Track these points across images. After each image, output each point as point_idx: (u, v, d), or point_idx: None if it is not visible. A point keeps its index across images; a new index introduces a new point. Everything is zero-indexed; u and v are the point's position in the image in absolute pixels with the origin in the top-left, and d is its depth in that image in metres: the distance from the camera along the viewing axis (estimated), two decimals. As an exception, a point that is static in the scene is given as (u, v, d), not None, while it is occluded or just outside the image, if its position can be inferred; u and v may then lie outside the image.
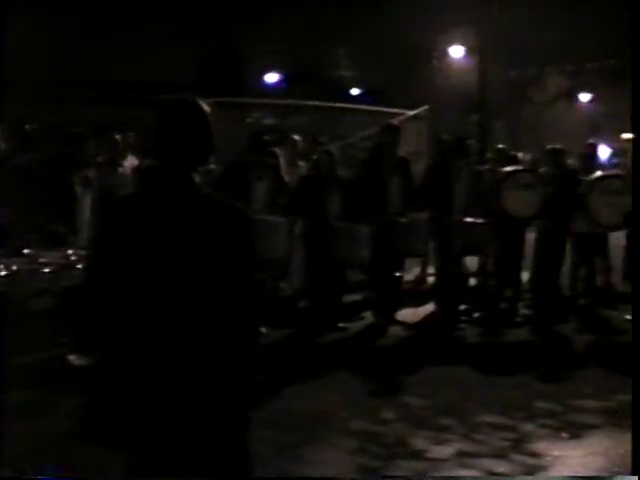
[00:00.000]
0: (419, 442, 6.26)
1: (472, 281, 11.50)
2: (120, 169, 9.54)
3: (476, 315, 10.62)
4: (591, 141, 14.20)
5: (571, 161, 12.39)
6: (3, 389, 6.01)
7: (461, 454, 6.03)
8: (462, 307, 10.66)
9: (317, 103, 15.22)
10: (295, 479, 5.62)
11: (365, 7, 32.44)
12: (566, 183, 10.71)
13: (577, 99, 48.91)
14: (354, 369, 8.20)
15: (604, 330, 10.32)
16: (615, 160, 22.44)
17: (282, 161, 10.15)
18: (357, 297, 11.03)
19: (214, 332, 2.94)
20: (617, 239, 12.21)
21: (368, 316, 10.30)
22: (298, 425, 6.51)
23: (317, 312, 9.84)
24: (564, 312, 10.89)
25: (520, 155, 12.98)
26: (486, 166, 12.24)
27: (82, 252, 7.15)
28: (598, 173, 10.95)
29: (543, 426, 6.69)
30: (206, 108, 3.09)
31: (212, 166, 9.38)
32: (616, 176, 11.24)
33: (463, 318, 10.47)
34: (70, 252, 7.34)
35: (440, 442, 6.26)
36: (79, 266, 6.96)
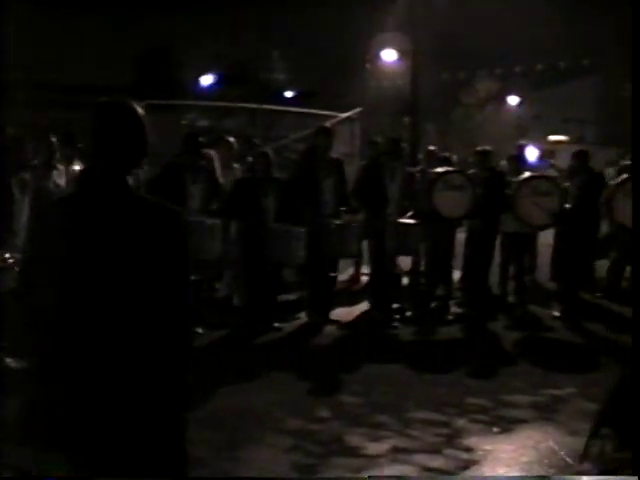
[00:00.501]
0: (354, 439, 6.36)
1: (405, 280, 11.67)
2: (55, 172, 9.45)
3: (409, 314, 10.77)
4: (521, 142, 14.51)
5: (503, 162, 12.63)
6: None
7: (396, 450, 6.15)
8: (395, 306, 10.80)
9: (251, 105, 15.25)
10: (233, 479, 5.66)
11: (299, 10, 32.56)
12: (495, 184, 10.91)
13: (506, 102, 49.70)
14: (290, 368, 8.27)
15: (533, 327, 10.54)
16: (549, 161, 22.82)
17: (217, 163, 10.18)
18: (292, 297, 11.12)
19: (149, 334, 2.94)
20: (545, 238, 12.51)
21: (303, 316, 10.37)
22: (234, 425, 6.56)
23: (252, 312, 9.89)
24: (494, 310, 11.09)
25: (454, 157, 13.22)
26: (418, 167, 12.43)
27: (18, 255, 7.10)
28: (526, 174, 11.18)
29: (475, 421, 6.86)
30: (140, 110, 3.10)
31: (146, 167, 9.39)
32: (544, 177, 11.51)
33: (396, 317, 10.61)
34: (7, 255, 7.28)
35: (375, 439, 6.37)
36: (16, 268, 6.91)
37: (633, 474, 0.63)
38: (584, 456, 0.75)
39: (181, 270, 3.04)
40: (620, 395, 0.72)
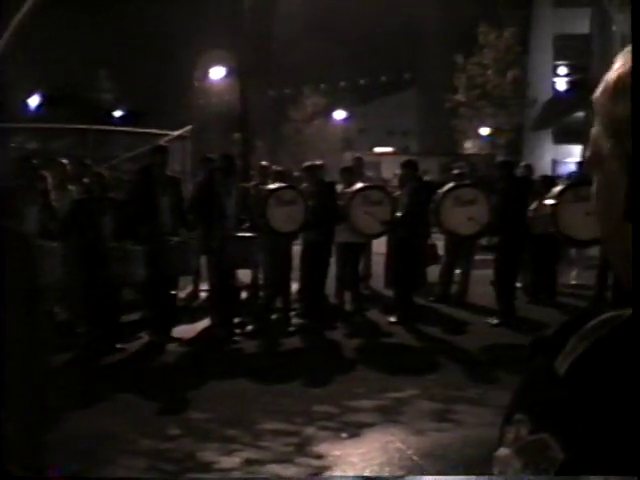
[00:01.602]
0: (207, 455, 6.38)
1: (244, 294, 11.77)
2: None
3: (250, 327, 10.86)
4: (357, 155, 14.90)
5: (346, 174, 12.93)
6: None
7: (248, 462, 6.21)
8: (236, 320, 10.86)
9: (81, 126, 15.02)
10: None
11: (126, 30, 32.23)
12: (326, 196, 11.16)
13: (332, 116, 50.73)
14: (136, 389, 8.20)
15: (372, 333, 10.82)
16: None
17: (50, 186, 10.00)
18: (133, 317, 11.00)
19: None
20: (378, 246, 12.90)
21: (145, 335, 10.29)
22: (87, 449, 6.45)
23: (94, 334, 9.74)
24: (333, 319, 11.34)
25: (295, 172, 13.44)
26: (252, 183, 12.59)
27: None
28: (358, 185, 11.50)
29: (323, 428, 7.00)
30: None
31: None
32: (375, 187, 11.88)
33: (237, 331, 10.67)
34: None
35: (227, 453, 6.41)
36: None
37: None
38: (500, 442, 0.83)
39: (28, 293, 3.02)
40: (531, 382, 0.80)
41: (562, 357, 0.91)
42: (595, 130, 1.03)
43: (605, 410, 0.84)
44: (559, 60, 47.90)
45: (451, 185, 11.52)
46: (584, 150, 37.31)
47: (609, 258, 1.05)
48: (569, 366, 0.90)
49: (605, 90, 1.01)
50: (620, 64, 1.00)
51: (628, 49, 1.00)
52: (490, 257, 11.94)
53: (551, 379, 0.91)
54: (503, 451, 0.94)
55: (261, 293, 11.86)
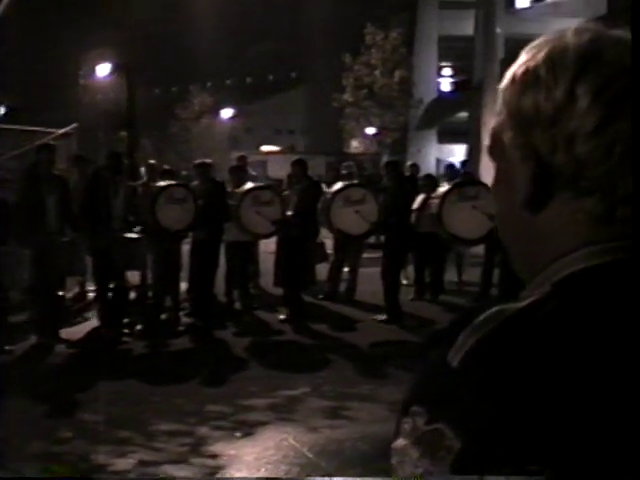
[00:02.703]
0: (101, 457, 6.30)
1: (133, 294, 11.65)
2: None
3: (139, 327, 10.76)
4: (242, 153, 14.91)
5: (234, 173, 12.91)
6: None
7: (143, 464, 6.17)
8: (125, 321, 10.75)
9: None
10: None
11: (10, 26, 31.41)
12: (216, 195, 11.15)
13: (220, 115, 50.58)
14: (25, 391, 8.01)
15: (262, 332, 10.87)
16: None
17: None
18: (20, 318, 10.75)
19: None
20: (267, 245, 12.97)
21: (32, 337, 10.09)
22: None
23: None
24: (222, 318, 11.34)
25: (183, 171, 13.36)
26: (140, 181, 12.47)
27: None
28: (249, 185, 11.53)
29: (217, 428, 7.00)
30: None
31: None
32: (266, 187, 11.94)
33: (126, 331, 10.56)
34: None
35: (121, 454, 6.34)
36: None
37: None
38: (396, 433, 0.84)
39: None
40: (426, 375, 0.82)
41: (454, 350, 0.93)
42: (498, 119, 1.06)
43: (496, 399, 0.88)
44: (444, 61, 48.96)
45: (341, 185, 11.65)
46: (468, 149, 38.23)
47: (506, 246, 1.10)
48: (461, 358, 0.92)
49: (512, 82, 1.04)
50: (528, 57, 1.03)
51: (534, 43, 1.04)
52: (377, 255, 12.14)
53: (445, 371, 0.93)
54: (400, 442, 0.96)
55: (150, 293, 11.76)
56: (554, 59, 1.00)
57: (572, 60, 0.98)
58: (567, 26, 1.04)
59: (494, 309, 0.96)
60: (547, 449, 0.85)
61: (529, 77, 1.01)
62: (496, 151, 1.07)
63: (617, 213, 0.97)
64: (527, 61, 1.03)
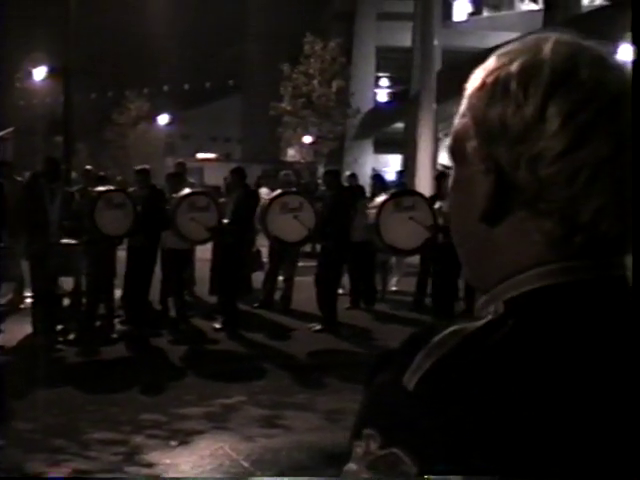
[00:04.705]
0: (35, 465, 6.22)
1: (66, 301, 11.51)
2: None
3: (72, 335, 10.63)
4: (180, 160, 14.85)
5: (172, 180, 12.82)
6: None
7: (77, 473, 6.11)
8: (59, 328, 10.62)
9: None
10: None
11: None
12: (154, 201, 11.10)
13: (156, 121, 50.27)
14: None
15: (197, 340, 10.82)
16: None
17: None
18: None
19: None
20: (202, 252, 12.91)
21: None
22: None
23: None
24: (157, 326, 11.26)
25: (120, 177, 13.25)
26: (77, 187, 12.35)
27: None
28: (186, 190, 11.49)
29: (152, 437, 6.95)
30: None
31: None
32: (202, 193, 11.91)
33: (60, 339, 10.43)
34: None
35: (55, 463, 6.26)
36: None
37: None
38: (348, 457, 0.83)
39: None
40: (379, 397, 0.81)
41: (410, 373, 0.90)
42: (462, 123, 1.02)
43: (454, 424, 0.86)
44: (381, 72, 49.40)
45: (278, 192, 11.67)
46: (404, 160, 38.54)
47: (459, 253, 1.06)
48: (418, 381, 0.89)
49: (480, 88, 1.00)
50: (499, 64, 0.99)
51: (508, 48, 1.00)
52: (313, 264, 12.18)
53: (400, 394, 0.90)
54: (352, 466, 0.93)
55: (84, 300, 11.63)
56: (527, 73, 0.96)
57: (546, 78, 0.94)
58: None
59: (449, 330, 0.93)
60: (507, 475, 0.84)
61: (498, 88, 0.97)
62: (457, 156, 1.04)
63: (576, 239, 0.95)
64: (498, 69, 0.99)
